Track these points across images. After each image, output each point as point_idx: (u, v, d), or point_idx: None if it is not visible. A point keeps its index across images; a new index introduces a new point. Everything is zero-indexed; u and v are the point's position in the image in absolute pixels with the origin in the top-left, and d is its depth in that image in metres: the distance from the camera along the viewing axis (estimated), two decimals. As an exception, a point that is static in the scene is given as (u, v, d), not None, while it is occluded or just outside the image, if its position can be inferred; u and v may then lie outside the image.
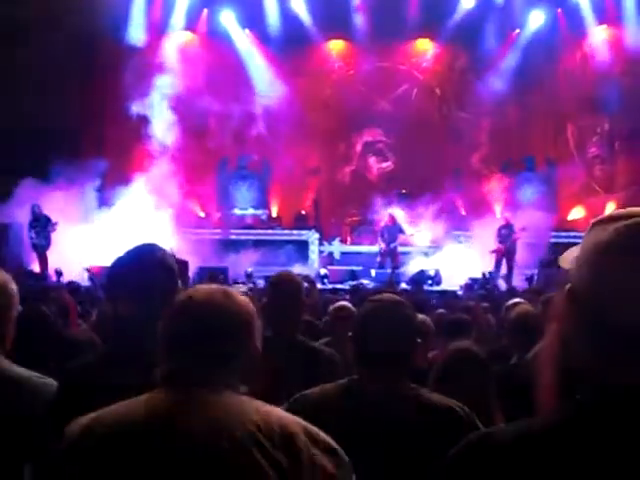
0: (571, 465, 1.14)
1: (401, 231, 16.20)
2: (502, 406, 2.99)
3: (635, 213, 1.21)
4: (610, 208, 18.46)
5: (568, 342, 1.23)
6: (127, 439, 1.62)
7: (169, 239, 15.46)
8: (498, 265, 15.67)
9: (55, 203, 14.85)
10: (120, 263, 2.36)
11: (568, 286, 1.23)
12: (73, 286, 9.72)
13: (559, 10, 18.64)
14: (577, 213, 18.90)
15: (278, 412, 1.71)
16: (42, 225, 14.76)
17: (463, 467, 1.22)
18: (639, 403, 1.14)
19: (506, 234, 15.86)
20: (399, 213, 16.89)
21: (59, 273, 13.56)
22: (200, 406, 1.65)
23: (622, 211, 1.24)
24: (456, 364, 3.07)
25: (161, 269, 2.30)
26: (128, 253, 2.38)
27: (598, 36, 18.73)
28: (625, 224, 1.19)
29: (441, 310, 6.46)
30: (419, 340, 2.59)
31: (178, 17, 18.92)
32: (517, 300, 5.17)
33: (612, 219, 1.23)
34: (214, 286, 1.81)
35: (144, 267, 2.30)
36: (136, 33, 18.15)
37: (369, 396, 2.38)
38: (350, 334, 2.55)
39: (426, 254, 16.24)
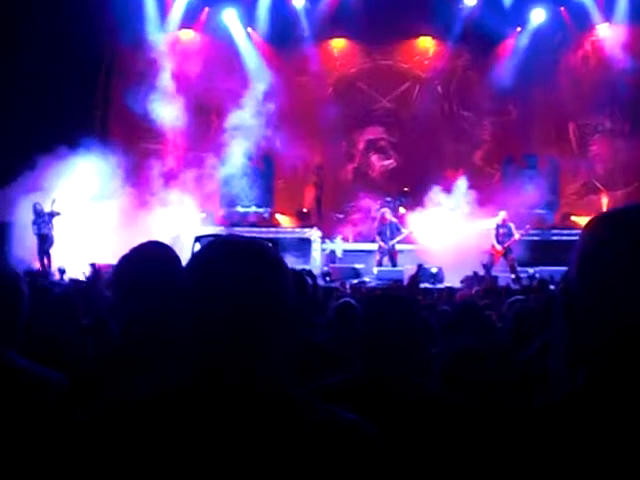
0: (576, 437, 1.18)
1: (398, 229, 16.19)
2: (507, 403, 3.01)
3: (632, 209, 1.24)
4: (611, 205, 18.53)
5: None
6: None
7: (171, 236, 15.58)
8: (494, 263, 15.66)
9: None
10: (129, 261, 2.37)
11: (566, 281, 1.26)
12: (77, 285, 9.74)
13: (562, 8, 18.61)
14: (579, 211, 18.92)
15: None
16: (45, 221, 14.83)
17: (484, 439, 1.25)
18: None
19: (504, 233, 15.87)
20: (400, 211, 16.91)
21: (62, 271, 13.59)
22: None
23: (619, 208, 1.27)
24: (459, 362, 3.09)
25: (170, 266, 2.32)
26: (137, 252, 2.39)
27: (600, 34, 18.72)
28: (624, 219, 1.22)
29: (445, 307, 6.48)
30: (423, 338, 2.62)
31: (179, 15, 18.94)
32: (518, 297, 5.20)
33: (610, 215, 1.25)
34: None
35: (153, 265, 2.32)
36: (141, 30, 18.16)
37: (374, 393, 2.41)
38: (355, 333, 2.59)
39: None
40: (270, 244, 1.56)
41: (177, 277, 2.34)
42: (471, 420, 1.30)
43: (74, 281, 10.65)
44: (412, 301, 2.62)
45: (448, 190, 16.95)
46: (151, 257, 2.37)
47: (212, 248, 1.51)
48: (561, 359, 1.29)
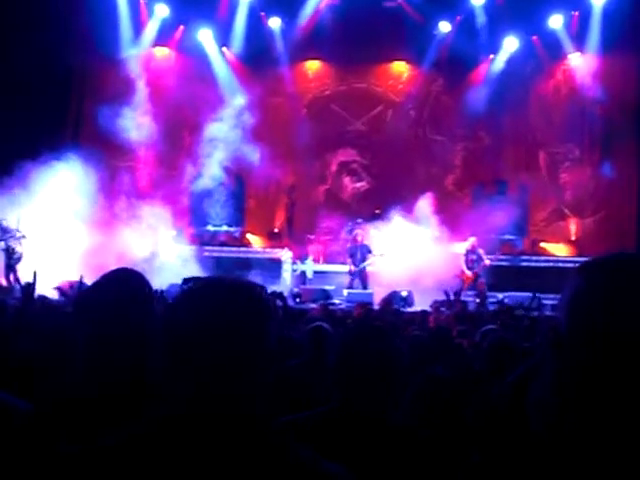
0: None
1: (369, 251, 16.20)
2: (480, 432, 3.00)
3: (623, 256, 1.25)
4: (579, 233, 18.76)
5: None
6: None
7: (147, 254, 15.50)
8: (468, 289, 15.73)
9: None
10: (98, 291, 2.32)
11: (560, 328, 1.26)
12: (43, 302, 9.58)
13: (534, 37, 18.88)
14: (548, 237, 19.12)
15: None
16: (12, 236, 14.63)
17: None
18: None
19: (474, 259, 15.98)
20: (372, 233, 16.92)
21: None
22: None
23: (611, 254, 1.28)
24: (430, 393, 3.07)
25: (139, 296, 2.29)
26: (106, 281, 2.34)
27: (572, 63, 19.00)
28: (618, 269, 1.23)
29: (416, 332, 6.47)
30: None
31: (154, 32, 18.95)
32: (491, 327, 5.21)
33: (602, 261, 1.26)
34: None
35: (121, 297, 2.28)
36: (115, 46, 18.13)
37: (351, 423, 2.38)
38: (332, 360, 2.55)
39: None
40: (258, 287, 1.56)
41: (149, 311, 2.32)
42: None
43: (41, 298, 10.48)
44: (389, 332, 2.59)
45: (417, 213, 17.07)
46: (122, 285, 2.32)
47: (199, 294, 1.52)
48: (547, 394, 1.29)
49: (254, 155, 17.47)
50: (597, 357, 1.19)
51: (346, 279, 16.28)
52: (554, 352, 1.26)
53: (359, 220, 17.87)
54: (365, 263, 16.10)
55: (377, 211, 17.83)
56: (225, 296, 1.50)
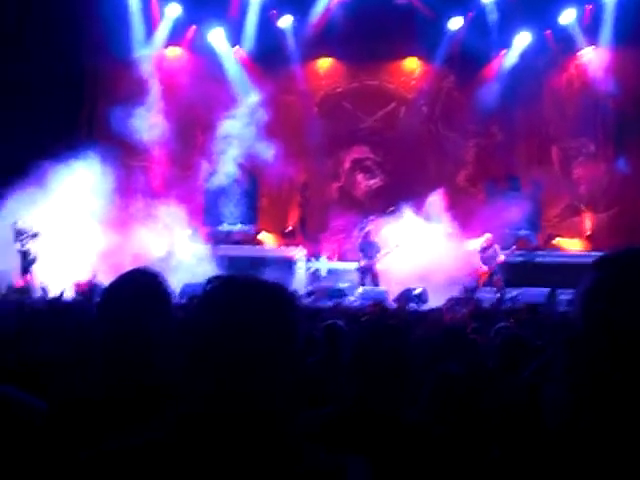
0: None
1: (378, 251, 16.15)
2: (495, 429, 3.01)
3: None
4: (594, 228, 18.68)
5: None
6: None
7: (163, 253, 15.57)
8: (484, 285, 15.70)
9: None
10: (117, 292, 2.35)
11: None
12: (58, 303, 9.64)
13: (547, 31, 18.79)
14: (562, 232, 19.06)
15: None
16: (27, 237, 14.72)
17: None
18: None
19: (490, 256, 15.93)
20: (385, 230, 16.89)
21: (44, 289, 13.46)
22: None
23: (627, 249, 1.29)
24: (444, 390, 3.08)
25: (155, 297, 2.31)
26: (124, 280, 2.37)
27: (585, 58, 18.91)
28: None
29: (431, 330, 6.46)
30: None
31: (166, 32, 19.01)
32: (505, 324, 5.21)
33: (618, 256, 1.28)
34: None
35: (138, 297, 2.30)
36: (127, 47, 18.20)
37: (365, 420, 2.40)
38: (347, 358, 2.57)
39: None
40: (281, 286, 1.58)
41: (165, 310, 2.35)
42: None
43: (56, 299, 10.54)
44: (404, 330, 2.61)
45: (429, 209, 17.06)
46: (140, 286, 2.35)
47: (223, 292, 1.53)
48: (562, 389, 1.30)
49: (267, 153, 17.45)
50: (611, 352, 1.19)
51: (358, 276, 16.27)
52: (568, 348, 1.27)
53: (372, 217, 17.85)
54: (377, 258, 16.03)
55: (391, 209, 17.79)
56: (248, 294, 1.52)
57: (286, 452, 1.44)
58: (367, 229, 16.61)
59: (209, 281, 1.58)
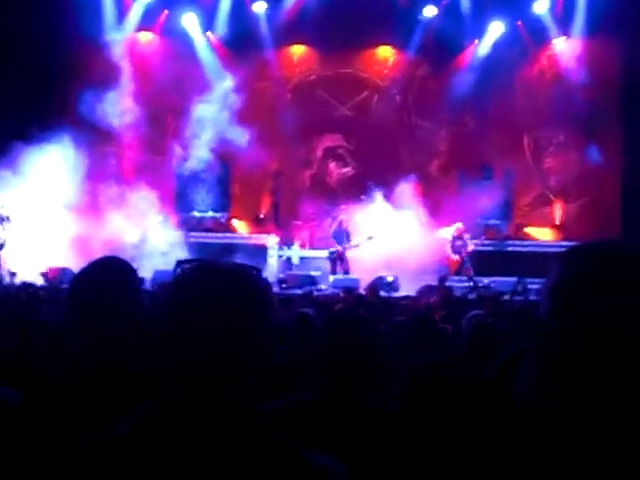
0: None
1: (348, 238, 16.21)
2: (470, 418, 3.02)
3: (606, 243, 1.26)
4: (564, 217, 18.87)
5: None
6: None
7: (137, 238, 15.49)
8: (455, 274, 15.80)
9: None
10: (87, 279, 2.32)
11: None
12: (28, 289, 9.55)
13: (519, 22, 18.87)
14: (533, 222, 19.23)
15: None
16: None
17: None
18: None
19: (460, 245, 16.04)
20: (357, 218, 16.92)
21: (12, 274, 13.32)
22: None
23: (593, 241, 1.28)
24: (419, 382, 3.08)
25: (128, 285, 2.29)
26: (93, 268, 2.34)
27: (557, 48, 19.03)
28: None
29: (401, 318, 6.50)
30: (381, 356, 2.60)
31: (137, 17, 18.81)
32: (477, 312, 5.24)
33: (584, 248, 1.27)
34: None
35: (108, 285, 2.27)
36: (99, 31, 17.99)
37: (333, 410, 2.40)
38: (314, 348, 2.56)
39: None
40: (253, 270, 1.57)
41: (138, 299, 2.33)
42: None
43: (26, 285, 10.45)
44: (372, 319, 2.61)
45: (401, 198, 17.14)
46: (110, 274, 2.32)
47: (196, 275, 1.51)
48: (528, 385, 1.30)
49: (240, 139, 17.35)
50: (579, 345, 1.19)
51: (329, 265, 16.30)
52: (535, 341, 1.26)
53: (342, 206, 17.88)
54: (349, 244, 16.08)
55: (363, 197, 17.81)
56: (220, 277, 1.50)
57: (249, 440, 1.43)
58: (340, 217, 16.63)
59: (178, 264, 1.57)
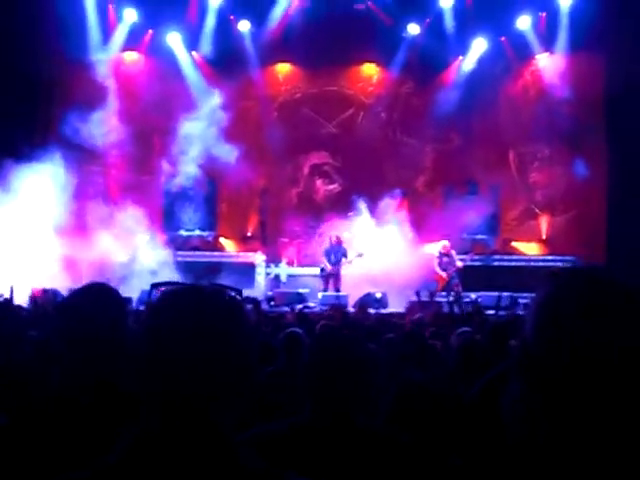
0: None
1: (344, 255, 16.18)
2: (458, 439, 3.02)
3: (592, 268, 1.27)
4: (550, 231, 18.95)
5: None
6: None
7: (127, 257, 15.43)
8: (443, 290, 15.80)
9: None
10: (75, 307, 2.32)
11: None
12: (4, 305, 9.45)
13: (502, 38, 19.02)
14: (519, 236, 19.30)
15: None
16: None
17: None
18: None
19: (447, 262, 16.05)
20: (345, 235, 16.93)
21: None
22: None
23: (579, 266, 1.30)
24: (408, 400, 3.08)
25: (117, 312, 2.30)
26: (79, 294, 2.34)
27: (540, 64, 19.17)
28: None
29: (390, 335, 6.50)
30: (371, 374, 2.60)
31: (123, 36, 18.84)
32: (466, 329, 5.24)
33: (569, 273, 1.28)
34: None
35: (95, 313, 2.28)
36: (84, 51, 18.00)
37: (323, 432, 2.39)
38: (301, 369, 2.56)
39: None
40: (233, 293, 1.58)
41: (123, 325, 2.33)
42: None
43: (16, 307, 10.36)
44: (359, 338, 2.61)
45: (388, 214, 17.20)
46: (95, 301, 2.33)
47: (174, 297, 1.52)
48: (516, 406, 1.30)
49: (227, 156, 17.35)
50: (565, 368, 1.19)
51: (320, 282, 16.27)
52: (521, 363, 1.26)
53: (327, 223, 17.92)
54: (340, 263, 16.06)
55: (350, 214, 17.84)
56: (198, 299, 1.51)
57: (220, 464, 1.43)
58: (332, 234, 16.61)
59: (153, 286, 1.59)
